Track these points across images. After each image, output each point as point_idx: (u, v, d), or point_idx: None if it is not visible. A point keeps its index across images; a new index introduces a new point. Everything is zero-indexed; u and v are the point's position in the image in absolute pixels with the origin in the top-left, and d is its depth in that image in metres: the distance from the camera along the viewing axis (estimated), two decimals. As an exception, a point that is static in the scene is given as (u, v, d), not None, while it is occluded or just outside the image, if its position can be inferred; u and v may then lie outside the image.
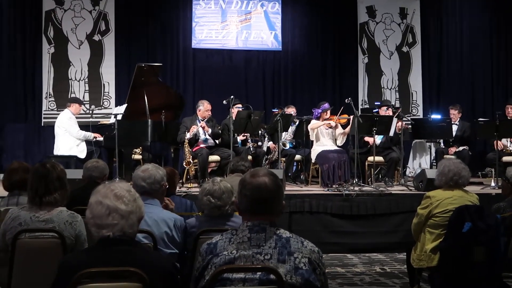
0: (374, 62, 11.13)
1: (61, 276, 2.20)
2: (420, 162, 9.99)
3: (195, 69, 10.63)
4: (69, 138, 8.02)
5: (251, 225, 2.31)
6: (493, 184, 7.82)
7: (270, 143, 8.70)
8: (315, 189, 7.57)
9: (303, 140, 8.73)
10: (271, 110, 9.60)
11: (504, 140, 8.50)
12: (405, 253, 4.66)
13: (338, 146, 8.19)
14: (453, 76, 11.23)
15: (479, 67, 11.29)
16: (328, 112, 8.19)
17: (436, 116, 9.45)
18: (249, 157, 7.90)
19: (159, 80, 8.22)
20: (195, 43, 10.63)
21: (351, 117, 7.92)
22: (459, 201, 4.20)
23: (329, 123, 8.06)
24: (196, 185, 7.30)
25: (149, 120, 7.54)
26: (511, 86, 11.28)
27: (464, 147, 8.89)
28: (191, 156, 7.68)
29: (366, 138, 8.34)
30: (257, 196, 2.31)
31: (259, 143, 8.71)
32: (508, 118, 8.44)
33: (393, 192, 7.14)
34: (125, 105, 7.84)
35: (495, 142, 8.05)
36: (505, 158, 8.30)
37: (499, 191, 5.23)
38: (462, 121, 9.17)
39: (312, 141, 8.24)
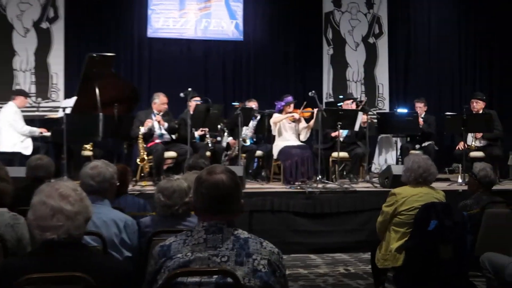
0: (339, 53, 11.21)
1: (1, 282, 2.13)
2: (386, 158, 10.13)
3: (151, 60, 10.52)
4: (13, 133, 7.84)
5: (207, 226, 2.28)
6: (460, 180, 7.99)
7: (230, 139, 8.68)
8: (277, 186, 7.59)
9: (264, 135, 8.74)
10: (231, 104, 9.56)
11: (469, 138, 8.68)
12: (369, 253, 4.69)
13: (301, 142, 8.23)
14: (420, 68, 11.40)
15: (447, 60, 11.48)
16: (292, 105, 8.22)
17: (402, 110, 9.60)
18: (208, 153, 7.88)
19: (112, 71, 8.08)
20: (151, 32, 10.51)
21: (315, 110, 7.97)
22: (425, 198, 4.26)
23: (293, 116, 8.10)
24: (151, 183, 7.23)
25: (101, 114, 7.42)
26: (479, 79, 11.51)
27: (430, 142, 9.05)
28: (145, 152, 7.60)
29: (333, 134, 8.41)
30: (214, 195, 2.29)
31: (218, 139, 8.69)
32: (473, 112, 8.62)
33: (358, 189, 7.23)
34: (74, 98, 7.69)
35: (460, 143, 8.29)
36: (473, 154, 8.47)
37: (466, 187, 5.33)
38: (427, 115, 9.33)
39: (274, 136, 8.26)
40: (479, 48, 11.59)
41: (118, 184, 3.62)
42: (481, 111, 8.64)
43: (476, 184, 4.82)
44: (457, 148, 8.52)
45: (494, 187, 5.23)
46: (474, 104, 8.71)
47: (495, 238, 4.41)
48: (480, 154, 8.48)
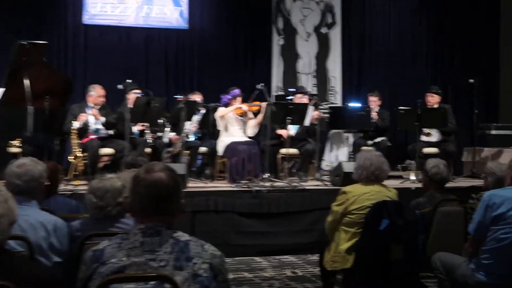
0: (290, 44, 11.28)
1: None
2: (337, 155, 10.25)
3: (87, 48, 10.34)
4: None
5: (145, 228, 2.27)
6: (413, 177, 8.17)
7: (172, 134, 8.63)
8: (222, 185, 7.59)
9: (209, 131, 8.72)
10: (174, 97, 9.50)
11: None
12: (318, 255, 4.75)
13: (248, 137, 8.25)
14: (375, 61, 11.58)
15: (403, 52, 11.68)
16: (239, 99, 8.23)
17: (355, 104, 9.74)
18: (148, 150, 7.82)
19: (44, 60, 7.92)
20: (87, 19, 10.33)
21: (264, 104, 8.00)
22: (377, 196, 4.33)
23: (240, 107, 8.11)
24: (84, 182, 7.11)
25: (30, 107, 7.26)
26: (435, 73, 11.77)
27: (383, 138, 9.21)
28: (79, 149, 7.47)
29: (279, 131, 8.47)
30: (152, 194, 2.28)
31: (159, 134, 8.62)
32: (428, 106, 8.82)
33: (307, 187, 7.30)
34: (2, 90, 7.49)
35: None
36: (426, 150, 8.66)
37: (420, 185, 5.46)
38: (382, 109, 9.50)
39: (220, 132, 8.26)
40: (437, 41, 11.84)
41: (47, 183, 3.55)
42: (436, 106, 8.84)
43: (428, 181, 4.95)
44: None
45: (448, 185, 5.38)
46: (429, 98, 8.90)
47: (447, 237, 4.53)
48: (434, 150, 8.68)
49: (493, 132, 9.86)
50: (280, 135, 8.47)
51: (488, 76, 11.54)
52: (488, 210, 3.69)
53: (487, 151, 9.48)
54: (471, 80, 9.04)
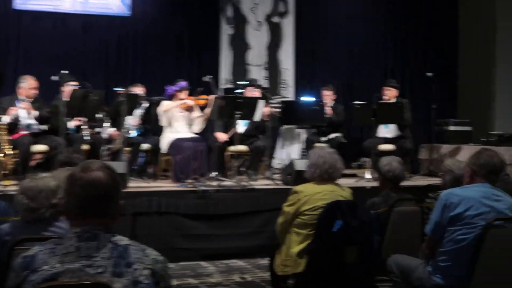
0: (240, 34, 11.29)
1: None
2: (289, 152, 10.32)
3: (19, 36, 10.13)
4: None
5: (80, 232, 2.24)
6: (368, 176, 8.29)
7: (112, 130, 8.54)
8: (166, 185, 7.56)
9: (152, 126, 8.66)
10: (114, 89, 9.40)
11: (381, 129, 9.04)
12: (268, 258, 4.77)
13: (194, 133, 8.23)
14: (329, 53, 11.67)
15: (359, 44, 11.82)
16: (184, 92, 8.20)
17: (308, 99, 9.82)
18: (85, 147, 7.72)
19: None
20: (19, 3, 10.12)
21: (211, 98, 7.99)
22: (330, 196, 4.37)
23: (185, 103, 8.08)
24: (15, 182, 6.96)
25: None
26: (393, 66, 11.93)
27: (337, 134, 9.32)
28: (9, 146, 7.32)
29: (217, 134, 8.43)
30: (89, 195, 2.26)
31: (98, 130, 8.52)
32: (385, 101, 8.95)
33: (257, 187, 7.33)
34: None
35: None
36: (382, 147, 8.80)
37: (376, 184, 5.54)
38: (336, 104, 9.60)
39: (163, 127, 8.21)
40: (395, 33, 12.01)
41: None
42: (393, 100, 8.98)
43: (382, 180, 5.02)
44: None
45: (405, 183, 5.47)
46: (386, 92, 9.04)
47: (403, 238, 4.60)
48: (390, 147, 8.82)
49: (451, 128, 10.09)
50: (232, 134, 8.50)
51: (446, 70, 11.81)
52: (446, 210, 3.74)
53: (445, 148, 9.69)
54: (429, 74, 9.23)
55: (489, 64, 11.37)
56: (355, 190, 4.83)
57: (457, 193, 3.78)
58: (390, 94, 9.01)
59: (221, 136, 8.33)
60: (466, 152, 8.96)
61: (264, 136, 8.54)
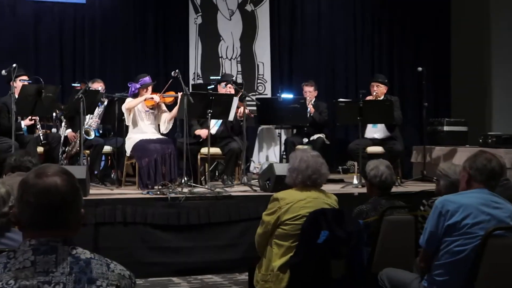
0: (210, 23, 11.28)
1: None
2: (267, 155, 10.33)
3: (-40, 25, 10.04)
4: None
5: (37, 244, 2.21)
6: (355, 181, 8.33)
7: (69, 131, 8.50)
8: (131, 192, 7.54)
9: (114, 126, 8.61)
10: (71, 85, 9.35)
11: (369, 129, 9.08)
12: (247, 273, 4.77)
13: (162, 134, 8.21)
14: (310, 44, 11.71)
15: (342, 35, 11.85)
16: (150, 88, 8.18)
17: (287, 96, 9.83)
18: (39, 149, 7.66)
19: None
20: (-40, -12, 10.02)
21: (179, 95, 7.97)
22: (314, 204, 4.38)
23: (152, 98, 8.06)
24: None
25: None
26: (379, 59, 11.98)
27: (320, 135, 9.35)
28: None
29: (198, 131, 8.47)
30: (45, 204, 2.23)
31: (53, 130, 8.47)
32: (373, 98, 8.97)
33: (233, 194, 7.32)
34: None
35: None
36: (370, 149, 8.84)
37: (364, 190, 5.56)
38: (318, 101, 9.63)
39: (127, 127, 8.18)
40: (382, 24, 12.04)
41: None
42: (382, 97, 9.01)
43: (369, 186, 5.05)
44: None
45: (396, 189, 5.52)
46: (375, 88, 9.05)
47: (395, 250, 4.60)
48: (379, 149, 8.87)
49: (445, 128, 10.15)
50: (197, 135, 8.48)
51: (438, 64, 11.88)
52: (441, 218, 3.74)
53: (438, 150, 9.75)
54: (420, 69, 9.27)
55: (485, 58, 11.46)
56: (342, 197, 4.85)
57: (453, 200, 3.78)
58: (378, 91, 9.03)
59: (203, 132, 8.30)
60: (462, 154, 9.01)
61: (239, 138, 8.54)
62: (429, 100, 9.76)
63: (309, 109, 9.25)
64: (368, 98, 8.89)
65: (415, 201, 5.20)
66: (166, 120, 8.23)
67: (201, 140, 8.40)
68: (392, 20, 12.03)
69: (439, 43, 11.97)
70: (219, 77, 9.54)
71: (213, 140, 8.36)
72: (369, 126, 9.09)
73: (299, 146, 9.00)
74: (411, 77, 11.37)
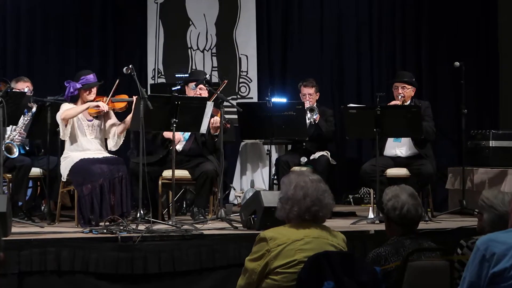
0: (176, 2, 11.30)
1: None
2: (252, 180, 10.32)
3: None
4: None
5: None
6: (371, 215, 8.32)
7: (-16, 147, 8.46)
8: (68, 230, 7.51)
9: (46, 141, 8.59)
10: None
11: (390, 144, 9.07)
12: None
13: (110, 152, 8.19)
14: (309, 31, 11.75)
15: (353, 17, 11.86)
16: (94, 89, 8.14)
17: (279, 100, 9.83)
18: None
19: None
20: None
21: (134, 99, 7.96)
22: (315, 245, 4.39)
23: (97, 106, 8.02)
24: None
25: None
26: (402, 51, 11.98)
27: (323, 153, 9.33)
28: None
29: (167, 133, 8.40)
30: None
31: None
32: (394, 103, 8.94)
33: (206, 232, 7.31)
34: None
35: None
36: (392, 172, 8.82)
37: (382, 226, 5.57)
38: (322, 107, 9.60)
39: (64, 143, 8.15)
40: (405, 2, 12.00)
41: None
42: (407, 102, 8.99)
43: (387, 222, 5.03)
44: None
45: (424, 226, 5.49)
46: (400, 90, 9.01)
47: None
48: (402, 172, 8.85)
49: (492, 143, 10.14)
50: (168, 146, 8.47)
51: (481, 58, 11.83)
52: (485, 264, 3.75)
53: (482, 173, 9.74)
54: (457, 64, 9.28)
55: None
56: (352, 236, 4.89)
57: (501, 240, 3.79)
58: (405, 93, 9.00)
59: (176, 136, 8.23)
60: (514, 179, 9.09)
61: (215, 157, 8.53)
62: (470, 106, 9.78)
63: (309, 117, 9.22)
64: (393, 103, 8.91)
65: (451, 241, 5.21)
66: (116, 133, 8.20)
67: (166, 154, 8.38)
68: (420, 2, 12.03)
69: (482, 31, 11.95)
70: (188, 75, 9.54)
71: (180, 159, 8.35)
72: (390, 140, 9.09)
73: (295, 168, 8.99)
74: (445, 76, 11.37)
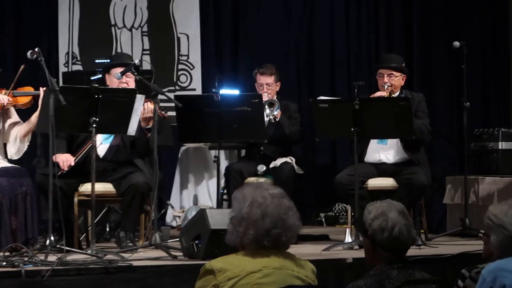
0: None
1: None
2: (195, 194, 10.34)
3: None
4: None
5: None
6: (348, 239, 8.35)
7: None
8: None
9: None
10: None
11: (372, 146, 9.10)
12: None
13: (10, 161, 8.17)
14: (267, 3, 11.86)
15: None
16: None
17: (230, 92, 9.86)
18: None
19: None
20: None
21: (41, 91, 7.95)
22: (277, 278, 4.41)
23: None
24: None
25: None
26: (388, 29, 12.03)
27: (286, 159, 9.36)
28: None
29: (57, 157, 8.35)
30: None
31: None
32: (378, 95, 8.97)
33: (136, 263, 7.31)
34: None
35: None
36: (375, 183, 8.87)
37: (362, 253, 5.60)
38: (284, 101, 9.62)
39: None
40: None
41: None
42: (395, 94, 9.02)
43: (370, 246, 5.04)
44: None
45: (417, 251, 5.49)
46: (385, 78, 9.01)
47: None
48: (388, 183, 8.92)
49: (501, 145, 10.22)
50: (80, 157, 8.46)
51: (487, 39, 11.92)
52: (492, 298, 3.80)
53: (489, 184, 9.81)
54: (457, 44, 9.35)
55: None
56: (324, 265, 4.91)
57: (511, 268, 3.84)
58: (394, 82, 9.01)
59: (66, 159, 8.22)
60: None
61: (146, 164, 8.53)
62: (473, 97, 9.87)
63: (271, 111, 9.24)
64: (377, 94, 8.94)
65: (449, 270, 5.25)
66: (19, 136, 8.18)
67: (82, 162, 8.38)
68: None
69: (488, 6, 12.07)
70: (109, 60, 9.49)
71: (102, 169, 8.33)
72: (373, 142, 9.14)
73: (251, 179, 9.02)
74: (442, 60, 11.46)
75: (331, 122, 8.66)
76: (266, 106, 9.26)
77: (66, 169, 8.15)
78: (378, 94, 8.95)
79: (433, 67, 11.80)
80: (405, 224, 4.95)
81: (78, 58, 11.09)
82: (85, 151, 8.36)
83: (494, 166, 10.08)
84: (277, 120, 9.37)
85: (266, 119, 9.19)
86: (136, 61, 9.28)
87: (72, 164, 8.22)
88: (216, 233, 6.90)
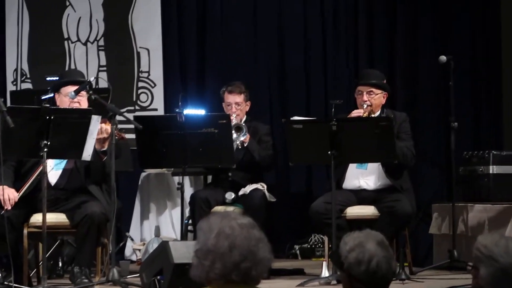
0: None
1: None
2: (157, 225, 10.35)
3: None
4: None
5: None
6: (325, 273, 8.37)
7: None
8: None
9: None
10: None
11: (351, 170, 9.13)
12: None
13: None
14: (238, 12, 11.89)
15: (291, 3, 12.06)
16: None
17: (195, 112, 9.88)
18: None
19: None
20: None
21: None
22: (245, 317, 4.43)
23: None
24: None
25: None
26: (369, 41, 12.09)
27: (257, 186, 9.37)
28: None
29: (5, 192, 8.37)
30: None
31: None
32: (356, 114, 8.99)
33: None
34: None
35: None
36: (354, 211, 8.88)
37: (339, 289, 5.65)
38: (253, 123, 9.65)
39: None
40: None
41: None
42: (376, 113, 9.06)
43: (347, 282, 5.08)
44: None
45: (397, 287, 5.50)
46: (365, 96, 9.05)
47: None
48: (369, 212, 8.93)
49: (492, 169, 10.26)
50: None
51: (477, 53, 11.95)
52: None
53: (480, 212, 9.85)
54: (443, 58, 9.40)
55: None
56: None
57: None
58: (374, 101, 9.05)
59: (10, 197, 8.20)
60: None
61: (102, 192, 8.53)
62: (461, 117, 9.91)
63: (238, 136, 9.26)
64: (354, 114, 8.96)
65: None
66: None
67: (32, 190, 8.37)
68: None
69: (479, 14, 12.12)
70: (58, 78, 9.49)
71: (55, 198, 8.32)
72: (352, 167, 9.18)
73: (218, 208, 9.04)
74: (428, 76, 11.50)
75: (306, 145, 8.68)
76: (233, 131, 9.27)
77: (9, 208, 8.13)
78: (355, 113, 8.94)
79: (418, 84, 11.83)
80: (384, 256, 4.94)
81: (28, 76, 11.09)
82: (33, 178, 8.36)
83: (485, 192, 10.08)
84: (245, 145, 9.38)
85: (234, 144, 9.20)
86: (91, 78, 9.30)
87: (17, 200, 8.20)
88: (180, 267, 6.91)
